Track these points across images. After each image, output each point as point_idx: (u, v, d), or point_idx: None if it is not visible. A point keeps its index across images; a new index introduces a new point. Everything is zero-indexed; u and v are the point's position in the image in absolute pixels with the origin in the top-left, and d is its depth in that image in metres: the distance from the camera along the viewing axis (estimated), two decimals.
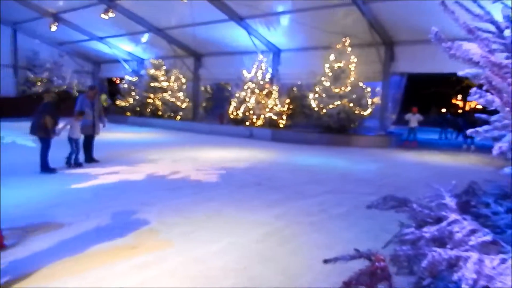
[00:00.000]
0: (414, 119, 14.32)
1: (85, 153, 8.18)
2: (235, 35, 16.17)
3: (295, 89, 16.99)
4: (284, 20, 14.47)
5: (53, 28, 19.12)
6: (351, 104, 13.66)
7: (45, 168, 7.05)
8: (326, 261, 1.54)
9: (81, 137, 7.95)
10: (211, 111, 21.32)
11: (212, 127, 17.24)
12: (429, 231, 1.40)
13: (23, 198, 5.26)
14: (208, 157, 9.69)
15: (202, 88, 20.90)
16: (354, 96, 13.70)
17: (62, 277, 3.01)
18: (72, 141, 7.73)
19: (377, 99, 14.18)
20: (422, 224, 1.53)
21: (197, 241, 3.89)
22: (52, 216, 4.51)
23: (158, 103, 19.87)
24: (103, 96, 11.52)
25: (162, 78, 19.81)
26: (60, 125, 7.38)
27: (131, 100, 21.05)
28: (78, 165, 7.78)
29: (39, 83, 22.65)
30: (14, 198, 5.24)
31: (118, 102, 21.73)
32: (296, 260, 3.51)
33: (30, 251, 3.45)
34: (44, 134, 6.94)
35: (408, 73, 14.45)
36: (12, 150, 9.77)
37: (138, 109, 20.76)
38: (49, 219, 4.39)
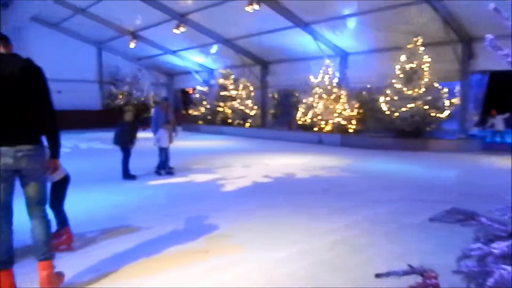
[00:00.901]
0: (498, 121, 13.09)
1: (166, 162, 8.46)
2: (301, 41, 16.16)
3: (364, 92, 16.47)
4: (351, 23, 14.14)
5: (132, 45, 20.71)
6: (426, 106, 12.89)
7: (127, 175, 7.58)
8: (378, 276, 1.47)
9: (169, 146, 8.24)
10: (279, 117, 21.46)
11: (281, 133, 17.34)
12: (499, 247, 1.27)
13: (107, 203, 5.73)
14: (277, 164, 9.75)
15: (270, 95, 21.15)
16: (429, 97, 12.91)
17: (140, 277, 3.21)
18: (161, 150, 8.08)
19: (455, 100, 13.22)
20: (492, 239, 1.39)
21: (266, 247, 3.92)
22: (132, 219, 4.85)
23: (228, 111, 20.49)
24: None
25: (231, 87, 20.42)
26: (151, 135, 7.92)
27: (202, 109, 21.97)
28: (169, 173, 8.13)
29: (120, 96, 24.60)
30: (99, 202, 5.74)
31: (190, 112, 22.81)
32: (367, 270, 3.37)
33: (111, 252, 3.74)
34: (125, 144, 7.49)
35: (491, 71, 13.26)
36: (94, 156, 10.69)
37: (209, 117, 21.59)
38: (129, 223, 4.72)
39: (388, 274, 1.43)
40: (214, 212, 5.21)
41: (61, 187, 3.90)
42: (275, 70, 19.94)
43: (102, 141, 15.87)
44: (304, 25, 14.95)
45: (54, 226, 3.41)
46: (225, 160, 10.23)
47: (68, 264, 3.35)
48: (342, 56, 16.54)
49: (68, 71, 22.45)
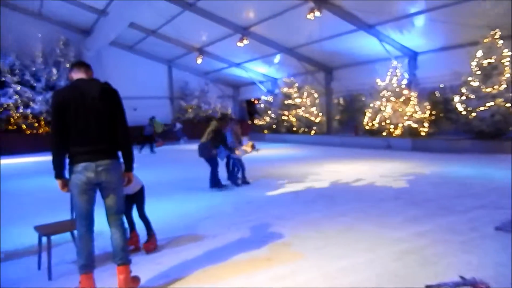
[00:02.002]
0: None
1: (229, 172, 8.59)
2: (365, 44, 15.72)
3: (436, 93, 15.52)
4: (419, 21, 13.46)
5: (199, 60, 21.69)
6: (508, 104, 11.79)
7: (215, 184, 7.82)
8: (428, 287, 1.39)
9: (242, 157, 8.41)
10: (345, 123, 21.00)
11: (347, 139, 16.94)
12: None
13: (178, 212, 6.05)
14: (344, 170, 9.55)
15: (335, 101, 20.80)
16: (510, 94, 11.80)
17: (206, 283, 3.34)
18: (236, 161, 8.25)
19: None
20: None
21: (330, 256, 3.86)
22: (200, 228, 5.06)
23: (293, 119, 20.51)
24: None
25: (295, 95, 20.45)
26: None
27: (267, 119, 22.24)
28: (246, 182, 8.24)
29: (190, 110, 25.83)
30: (170, 211, 6.08)
31: (255, 121, 23.21)
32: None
33: (180, 259, 3.94)
34: (209, 156, 7.70)
35: None
36: (165, 167, 11.25)
37: (274, 126, 21.79)
38: (197, 231, 4.94)
39: (438, 286, 1.36)
40: (279, 220, 5.25)
41: (140, 197, 4.26)
42: (340, 75, 19.59)
43: (175, 153, 16.75)
44: (368, 28, 14.54)
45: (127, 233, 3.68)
46: (291, 169, 10.25)
47: (142, 270, 3.58)
48: (411, 56, 15.78)
49: (142, 89, 24.19)
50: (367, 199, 6.38)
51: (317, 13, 13.42)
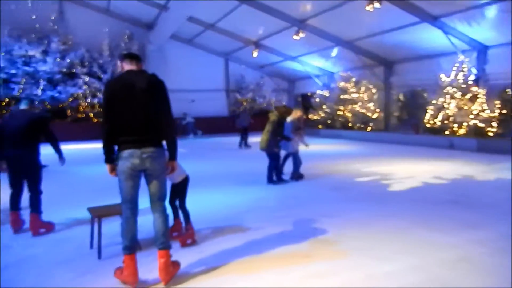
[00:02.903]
0: None
1: (281, 167, 8.22)
2: (428, 37, 14.79)
3: (508, 90, 14.25)
4: (490, 11, 12.37)
5: (255, 54, 21.78)
6: None
7: (277, 178, 7.66)
8: None
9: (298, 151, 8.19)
10: (404, 120, 20.03)
11: (406, 137, 16.15)
12: None
13: (222, 203, 6.14)
14: (400, 170, 9.10)
15: (394, 97, 19.88)
16: None
17: (242, 274, 3.35)
18: (293, 155, 8.04)
19: None
20: None
21: (374, 257, 3.69)
22: (243, 220, 5.10)
23: (348, 114, 19.95)
24: None
25: (352, 89, 19.85)
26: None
27: (322, 113, 21.85)
28: (299, 176, 8.07)
29: (245, 103, 26.10)
30: (216, 202, 6.21)
31: (310, 116, 22.90)
32: None
33: (221, 249, 4.00)
34: (271, 149, 7.52)
35: None
36: (215, 159, 11.47)
37: (329, 121, 21.35)
38: (240, 223, 4.97)
39: None
40: (324, 217, 5.12)
41: (183, 187, 4.36)
42: (400, 70, 18.66)
43: (229, 145, 17.05)
44: (432, 19, 13.66)
45: (171, 221, 3.78)
46: (343, 165, 9.97)
47: (183, 257, 3.67)
48: (480, 50, 14.59)
49: (200, 81, 24.84)
50: (421, 201, 6.03)
51: (377, 5, 12.85)
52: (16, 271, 3.64)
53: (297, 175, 8.05)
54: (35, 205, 4.80)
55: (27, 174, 4.79)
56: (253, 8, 16.70)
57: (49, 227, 4.90)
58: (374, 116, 19.22)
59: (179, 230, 4.42)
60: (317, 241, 4.19)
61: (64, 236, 4.67)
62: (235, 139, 20.14)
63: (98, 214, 4.06)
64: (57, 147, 4.99)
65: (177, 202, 4.40)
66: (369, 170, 9.09)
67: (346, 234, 4.39)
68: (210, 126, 24.43)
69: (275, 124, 7.46)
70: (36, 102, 19.94)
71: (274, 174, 7.71)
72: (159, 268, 3.23)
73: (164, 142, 3.36)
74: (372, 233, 4.43)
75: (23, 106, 5.02)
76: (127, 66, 3.31)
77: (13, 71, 19.73)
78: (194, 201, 6.20)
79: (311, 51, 20.63)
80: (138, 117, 3.14)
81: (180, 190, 4.36)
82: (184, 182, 4.37)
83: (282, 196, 6.54)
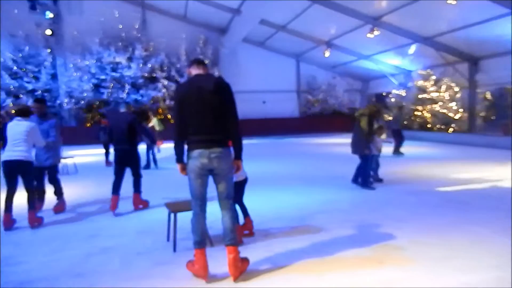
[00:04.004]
0: None
1: (370, 171, 7.63)
2: None
3: None
4: None
5: (327, 54, 21.46)
6: None
7: (366, 183, 7.18)
8: None
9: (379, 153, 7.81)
10: (491, 121, 18.31)
11: (494, 139, 14.76)
12: None
13: (293, 204, 6.14)
14: (485, 174, 8.36)
15: (480, 96, 18.26)
16: None
17: (311, 275, 3.33)
18: (375, 157, 7.63)
19: None
20: None
21: (451, 267, 3.42)
22: (313, 221, 5.05)
23: (427, 115, 18.76)
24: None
25: (431, 88, 18.63)
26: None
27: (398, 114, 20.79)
28: (379, 180, 7.73)
29: (316, 104, 25.86)
30: (286, 203, 6.23)
31: (385, 116, 21.94)
32: None
33: (289, 248, 4.00)
34: (362, 151, 7.13)
35: None
36: (286, 159, 11.47)
37: (406, 122, 20.26)
38: (309, 224, 4.94)
39: None
40: (398, 222, 4.88)
41: (241, 186, 4.45)
42: (487, 67, 17.08)
43: (301, 146, 17.00)
44: None
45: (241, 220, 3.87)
46: (420, 169, 9.40)
47: (252, 254, 3.74)
48: None
49: (271, 83, 25.12)
50: (507, 209, 5.46)
51: None
52: (100, 258, 3.99)
53: (376, 179, 7.73)
54: (137, 186, 6.12)
55: (131, 164, 6.00)
56: (325, 7, 16.48)
57: (145, 204, 6.19)
58: (457, 117, 17.83)
59: (250, 229, 4.50)
60: (389, 246, 4.00)
61: (146, 228, 5.01)
62: (306, 139, 20.08)
63: (174, 208, 4.29)
64: (153, 139, 6.29)
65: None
66: (451, 175, 8.46)
67: (421, 241, 4.13)
68: (282, 126, 24.58)
69: (365, 124, 7.06)
70: (122, 104, 21.67)
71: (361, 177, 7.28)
72: (228, 263, 3.33)
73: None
74: (450, 241, 4.12)
75: (122, 109, 6.54)
76: (195, 70, 3.49)
77: (102, 77, 21.68)
78: (265, 200, 6.34)
79: (386, 49, 19.78)
80: (206, 118, 3.28)
81: (237, 190, 4.41)
82: (243, 182, 4.46)
83: (355, 199, 6.35)
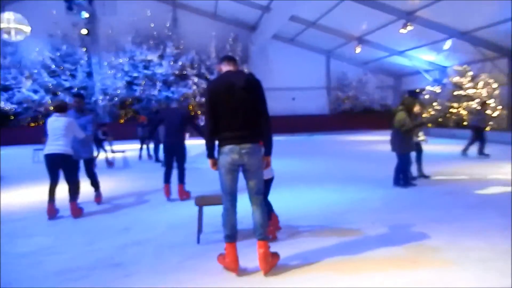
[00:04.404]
0: None
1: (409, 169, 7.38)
2: None
3: None
4: None
5: (358, 50, 21.08)
6: None
7: (404, 182, 6.96)
8: None
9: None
10: None
11: None
12: None
13: (322, 201, 6.08)
14: None
15: None
16: None
17: (341, 273, 3.28)
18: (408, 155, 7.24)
19: None
20: None
21: (496, 270, 3.27)
22: (344, 219, 4.99)
23: (463, 112, 18.10)
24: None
25: (467, 85, 17.95)
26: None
27: (432, 111, 20.19)
28: (412, 179, 7.41)
29: (346, 101, 25.48)
30: (316, 200, 6.17)
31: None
32: None
33: (319, 246, 3.97)
34: (400, 150, 6.86)
35: None
36: (312, 156, 11.35)
37: (441, 119, 19.64)
38: (339, 222, 4.88)
39: None
40: (434, 222, 4.72)
41: (267, 184, 4.42)
42: None
43: (330, 143, 16.82)
44: None
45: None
46: (461, 168, 9.04)
47: (281, 250, 3.73)
48: None
49: (301, 79, 24.97)
50: None
51: None
52: (135, 250, 4.10)
53: (411, 177, 7.39)
54: (182, 178, 6.46)
55: (178, 156, 6.45)
56: (356, 2, 16.20)
57: (188, 195, 6.44)
58: (495, 114, 17.09)
59: (275, 224, 4.50)
60: (424, 247, 3.89)
61: (177, 222, 5.11)
62: (336, 137, 19.82)
63: (201, 202, 4.37)
64: (201, 132, 6.30)
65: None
66: (489, 175, 8.12)
67: (459, 243, 3.99)
68: (311, 123, 24.40)
69: (402, 119, 6.72)
70: (153, 101, 22.20)
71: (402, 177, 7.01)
72: (258, 258, 3.34)
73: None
74: (491, 244, 3.94)
75: (174, 105, 7.36)
76: (225, 67, 3.52)
77: (135, 74, 22.25)
78: (295, 197, 6.33)
79: (420, 45, 19.23)
80: (237, 114, 3.31)
81: (265, 186, 4.42)
82: (269, 181, 4.42)
83: (387, 198, 6.22)
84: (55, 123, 5.52)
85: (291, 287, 3.08)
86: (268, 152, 3.52)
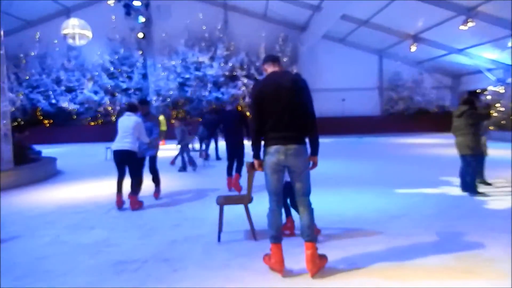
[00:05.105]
0: None
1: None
2: None
3: None
4: None
5: (413, 48, 20.27)
6: None
7: (471, 188, 6.45)
8: None
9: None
10: None
11: None
12: None
13: (372, 206, 5.93)
14: None
15: None
16: None
17: (391, 279, 3.19)
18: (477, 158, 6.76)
19: None
20: None
21: None
22: (395, 225, 4.84)
23: None
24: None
25: None
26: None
27: (495, 113, 18.90)
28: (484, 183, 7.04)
29: (400, 102, 24.54)
30: (366, 204, 6.03)
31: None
32: None
33: (368, 251, 3.89)
34: (473, 151, 6.38)
35: None
36: (357, 158, 11.04)
37: (504, 122, 18.33)
38: (391, 227, 4.73)
39: None
40: (492, 232, 4.42)
41: (290, 188, 4.37)
42: None
43: (382, 146, 16.31)
44: None
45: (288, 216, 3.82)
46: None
47: (328, 253, 3.70)
48: None
49: (352, 80, 24.41)
50: None
51: None
52: (184, 246, 4.25)
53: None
54: (240, 170, 7.09)
55: (238, 152, 7.09)
56: None
57: (241, 189, 6.92)
58: None
59: (291, 229, 4.44)
60: (480, 257, 3.67)
61: (226, 220, 5.20)
62: (388, 139, 19.16)
63: (222, 202, 4.51)
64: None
65: (288, 201, 4.41)
66: None
67: None
68: (362, 125, 23.81)
69: (471, 119, 6.26)
70: (204, 102, 22.79)
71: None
72: (306, 259, 3.34)
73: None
74: None
75: (229, 107, 7.91)
76: (270, 68, 3.55)
77: (187, 76, 22.97)
78: (343, 200, 6.24)
79: (482, 42, 18.10)
80: (283, 115, 3.31)
81: (286, 191, 4.33)
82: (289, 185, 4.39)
83: (442, 204, 5.92)
84: (126, 122, 6.02)
85: None
86: (315, 152, 3.50)
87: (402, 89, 24.54)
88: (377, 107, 25.33)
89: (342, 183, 7.65)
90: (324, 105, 22.11)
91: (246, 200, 4.45)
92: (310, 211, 3.44)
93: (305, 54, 23.41)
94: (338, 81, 24.19)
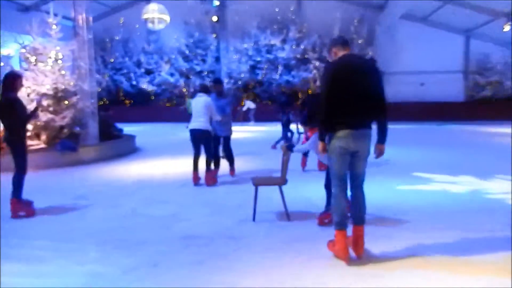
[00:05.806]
0: None
1: None
2: None
3: None
4: None
5: (506, 28, 18.25)
6: None
7: None
8: None
9: None
10: None
11: None
12: None
13: (460, 196, 5.52)
14: None
15: None
16: None
17: (440, 272, 2.96)
18: None
19: None
20: None
21: None
22: (469, 217, 4.53)
23: None
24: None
25: None
26: None
27: None
28: None
29: (488, 87, 22.36)
30: (456, 195, 5.63)
31: None
32: None
33: (438, 242, 3.66)
34: None
35: None
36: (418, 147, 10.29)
37: None
38: (465, 219, 4.44)
39: None
40: None
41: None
42: None
43: (466, 134, 15.11)
44: None
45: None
46: None
47: (397, 244, 3.55)
48: None
49: (432, 63, 22.67)
50: None
51: None
52: (248, 226, 4.33)
53: None
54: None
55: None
56: None
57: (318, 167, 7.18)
58: None
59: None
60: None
61: (296, 203, 5.15)
62: (473, 127, 17.52)
63: (256, 182, 4.57)
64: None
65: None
66: None
67: None
68: (442, 112, 22.08)
69: None
70: (274, 85, 22.82)
71: None
72: (353, 242, 3.33)
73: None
74: None
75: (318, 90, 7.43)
76: (340, 51, 3.41)
77: (258, 59, 23.08)
78: (418, 188, 5.91)
79: None
80: (354, 99, 3.21)
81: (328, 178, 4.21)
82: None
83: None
84: (199, 102, 6.33)
85: (402, 282, 2.90)
86: (382, 140, 3.38)
87: (490, 73, 22.29)
88: (461, 92, 23.34)
89: (419, 170, 7.22)
90: (401, 89, 20.92)
91: (281, 182, 4.54)
92: (362, 196, 3.42)
93: (382, 35, 22.14)
94: (417, 64, 22.62)
